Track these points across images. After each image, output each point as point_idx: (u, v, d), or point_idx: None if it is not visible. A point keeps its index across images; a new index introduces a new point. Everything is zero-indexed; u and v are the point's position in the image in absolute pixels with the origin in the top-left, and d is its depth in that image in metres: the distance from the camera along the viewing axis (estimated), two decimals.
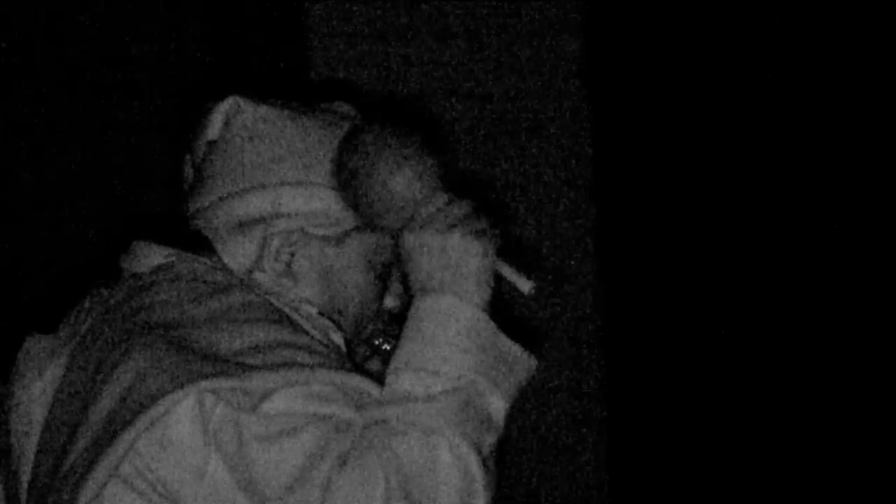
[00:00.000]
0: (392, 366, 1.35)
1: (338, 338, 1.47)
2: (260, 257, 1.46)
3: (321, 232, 1.48)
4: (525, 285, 1.42)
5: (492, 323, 1.37)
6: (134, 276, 1.49)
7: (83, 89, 3.65)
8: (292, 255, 1.47)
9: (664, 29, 3.09)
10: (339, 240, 1.49)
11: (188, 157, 1.56)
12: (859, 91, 2.78)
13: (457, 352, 1.33)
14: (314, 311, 1.47)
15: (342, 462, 1.26)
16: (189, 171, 1.56)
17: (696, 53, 3.04)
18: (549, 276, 2.92)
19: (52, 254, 3.58)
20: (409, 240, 1.41)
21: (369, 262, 1.51)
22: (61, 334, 1.51)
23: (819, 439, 2.93)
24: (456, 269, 1.37)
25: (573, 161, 3.03)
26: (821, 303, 2.91)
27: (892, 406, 2.80)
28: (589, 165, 3.04)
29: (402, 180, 1.41)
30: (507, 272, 1.43)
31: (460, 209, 1.41)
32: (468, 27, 2.96)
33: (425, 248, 1.39)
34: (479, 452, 1.29)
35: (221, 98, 1.53)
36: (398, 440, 1.27)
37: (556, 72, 3.01)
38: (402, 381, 1.33)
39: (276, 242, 1.46)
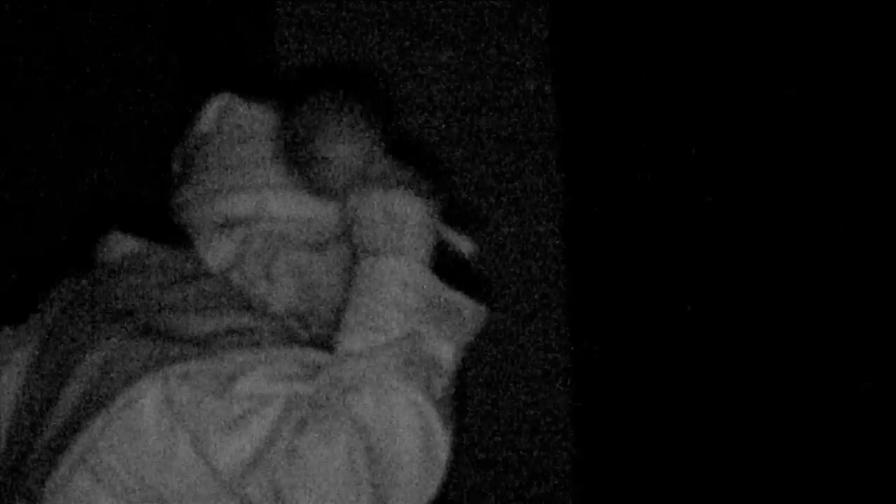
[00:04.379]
0: (338, 333, 1.36)
1: (304, 336, 1.49)
2: (239, 257, 1.47)
3: (303, 238, 1.48)
4: (466, 246, 1.46)
5: (432, 275, 1.38)
6: (104, 265, 1.50)
7: (52, 83, 3.66)
8: (272, 258, 1.47)
9: (631, 16, 3.11)
10: (320, 247, 1.49)
11: (177, 149, 1.56)
12: (823, 70, 2.80)
13: (398, 307, 1.34)
14: (282, 310, 1.48)
15: (302, 426, 1.27)
16: (177, 164, 1.55)
17: (664, 39, 3.05)
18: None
19: (23, 245, 3.59)
20: (353, 200, 1.42)
21: (348, 270, 1.50)
22: (30, 324, 1.52)
23: (790, 428, 2.94)
24: (398, 226, 1.38)
25: (540, 143, 3.05)
26: (794, 290, 2.91)
27: (866, 402, 2.81)
28: (556, 145, 3.05)
29: (344, 148, 1.43)
30: (449, 235, 1.45)
31: (404, 172, 1.43)
32: (437, 21, 2.97)
33: (369, 206, 1.40)
34: (431, 395, 1.31)
35: (216, 93, 1.53)
36: (351, 397, 1.28)
37: (524, 57, 3.03)
38: (347, 342, 1.34)
39: (256, 245, 1.46)
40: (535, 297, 3.04)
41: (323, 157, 1.43)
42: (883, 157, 2.68)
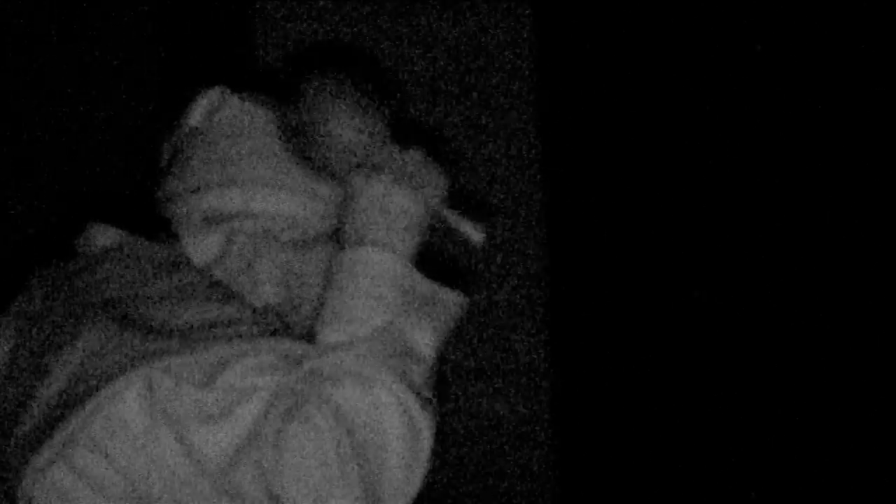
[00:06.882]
0: (318, 324, 1.36)
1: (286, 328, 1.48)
2: (223, 253, 1.46)
3: (287, 236, 1.48)
4: (475, 235, 1.44)
5: (409, 267, 1.38)
6: (85, 255, 1.49)
7: (35, 77, 3.65)
8: (256, 255, 1.47)
9: (616, 12, 3.13)
10: (305, 246, 1.49)
11: (166, 141, 1.55)
12: (808, 63, 2.82)
13: (374, 298, 1.34)
14: (263, 304, 1.48)
15: (288, 417, 1.27)
16: (166, 156, 1.55)
17: (649, 35, 3.07)
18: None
19: (4, 234, 3.58)
20: (357, 182, 1.41)
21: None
22: (8, 312, 1.51)
23: (767, 419, 2.96)
24: (390, 219, 1.38)
25: (520, 129, 3.06)
26: (774, 279, 2.93)
27: (850, 396, 2.83)
28: (537, 131, 3.07)
29: (348, 129, 1.42)
30: (458, 222, 1.44)
31: (410, 159, 1.42)
32: (419, 14, 2.98)
33: (367, 195, 1.39)
34: (411, 384, 1.31)
35: (202, 86, 1.52)
36: (334, 389, 1.28)
37: (507, 51, 3.03)
38: (327, 334, 1.34)
39: (241, 241, 1.46)
40: (517, 293, 3.04)
41: (326, 139, 1.42)
42: (860, 153, 2.71)
